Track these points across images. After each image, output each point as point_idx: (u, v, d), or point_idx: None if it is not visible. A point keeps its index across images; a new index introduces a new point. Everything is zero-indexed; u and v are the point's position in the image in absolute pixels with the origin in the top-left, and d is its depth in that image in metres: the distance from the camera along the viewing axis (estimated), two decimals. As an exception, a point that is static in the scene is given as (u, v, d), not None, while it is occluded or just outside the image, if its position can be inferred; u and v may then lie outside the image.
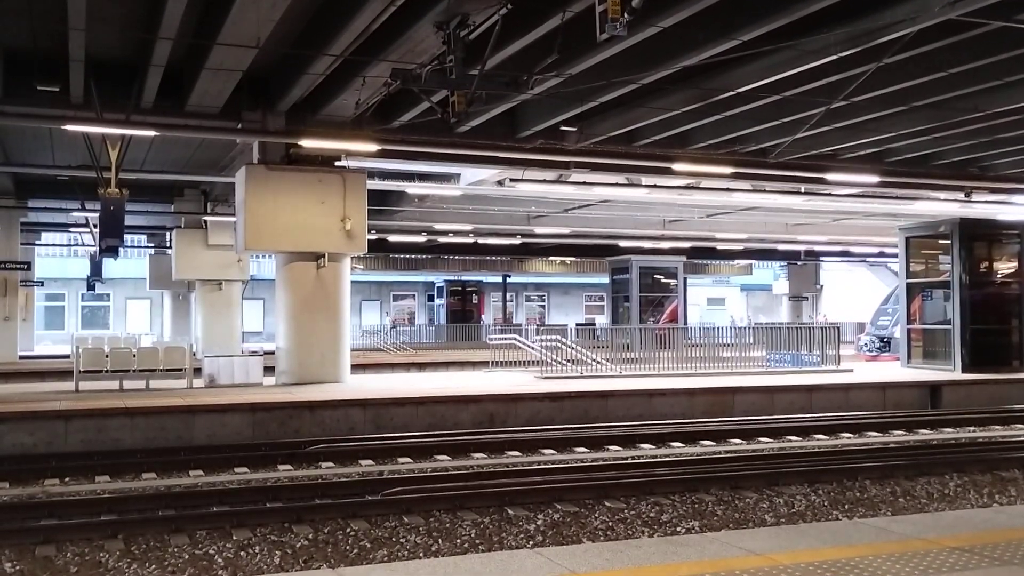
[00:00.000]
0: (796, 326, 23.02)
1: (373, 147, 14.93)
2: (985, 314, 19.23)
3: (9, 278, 26.89)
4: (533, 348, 18.74)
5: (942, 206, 24.19)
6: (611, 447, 12.95)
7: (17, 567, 7.22)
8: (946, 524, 6.16)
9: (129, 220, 21.97)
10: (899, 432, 14.70)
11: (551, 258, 44.93)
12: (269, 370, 17.33)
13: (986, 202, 23.22)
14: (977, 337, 18.96)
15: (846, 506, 9.43)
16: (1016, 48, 12.23)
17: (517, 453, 12.47)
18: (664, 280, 35.03)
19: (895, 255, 24.48)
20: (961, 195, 21.93)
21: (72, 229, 32.34)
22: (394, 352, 33.38)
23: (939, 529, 5.90)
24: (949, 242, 19.39)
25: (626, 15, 8.06)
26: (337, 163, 16.90)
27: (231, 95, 14.81)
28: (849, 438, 14.10)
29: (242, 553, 7.55)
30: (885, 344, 25.55)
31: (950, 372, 18.76)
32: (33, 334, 32.63)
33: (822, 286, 48.93)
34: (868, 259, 44.82)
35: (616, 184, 21.77)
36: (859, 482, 10.46)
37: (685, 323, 34.09)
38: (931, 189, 22.30)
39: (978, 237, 19.61)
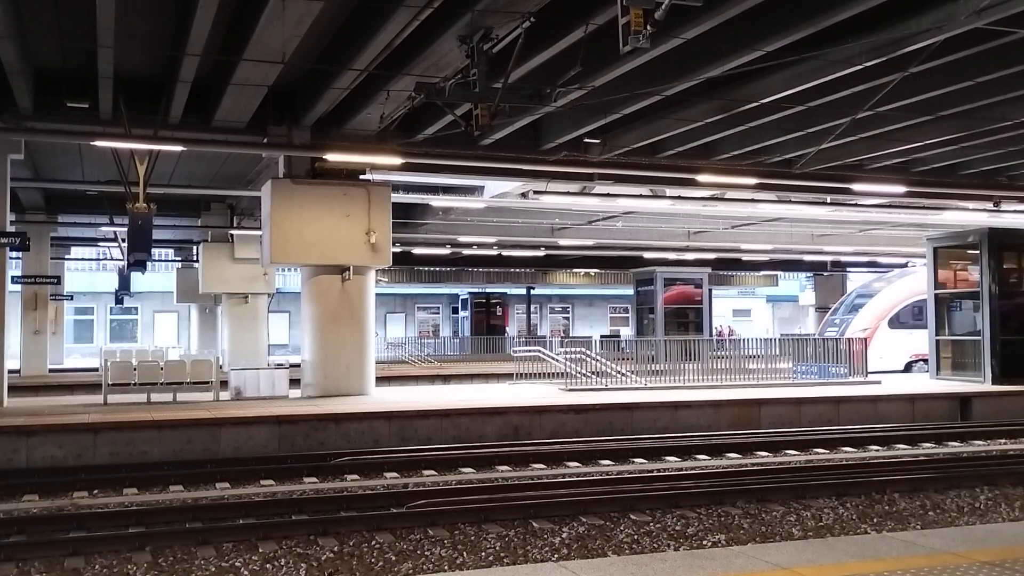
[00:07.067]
0: (824, 337, 22.92)
1: (397, 160, 15.02)
2: (1015, 325, 18.98)
3: (39, 292, 27.25)
4: (557, 360, 18.71)
5: (970, 216, 23.99)
6: (636, 460, 12.89)
7: (46, 579, 7.29)
8: (976, 538, 6.08)
9: (157, 234, 22.28)
10: (928, 444, 14.53)
11: (575, 270, 44.92)
12: (295, 383, 17.42)
13: (1015, 211, 22.99)
14: (1007, 348, 18.70)
15: (875, 519, 9.33)
16: (1044, 56, 12.13)
17: (542, 466, 12.44)
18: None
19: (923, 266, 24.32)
20: (990, 204, 21.72)
21: (101, 243, 32.81)
22: (419, 364, 33.45)
23: (969, 543, 5.83)
24: (978, 252, 19.18)
25: (649, 27, 8.04)
26: (362, 176, 17.00)
27: (257, 110, 14.95)
28: (878, 451, 13.96)
29: (268, 566, 7.58)
30: None
31: (980, 384, 18.53)
32: (63, 347, 33.04)
33: (849, 297, 48.53)
34: (895, 270, 44.49)
35: (640, 196, 21.74)
36: (888, 495, 10.35)
37: (710, 334, 33.89)
38: (959, 199, 22.11)
39: (1008, 247, 19.35)
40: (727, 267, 41.68)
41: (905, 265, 35.22)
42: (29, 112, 14.72)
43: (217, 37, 12.16)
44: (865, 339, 21.03)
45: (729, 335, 40.17)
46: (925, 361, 26.12)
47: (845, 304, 29.27)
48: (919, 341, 26.31)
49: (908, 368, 26.22)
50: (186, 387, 16.24)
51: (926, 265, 20.80)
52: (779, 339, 23.12)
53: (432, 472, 11.95)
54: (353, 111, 15.19)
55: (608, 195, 21.17)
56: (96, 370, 24.41)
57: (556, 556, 7.90)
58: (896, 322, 26.99)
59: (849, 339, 20.59)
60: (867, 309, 27.66)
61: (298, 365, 17.90)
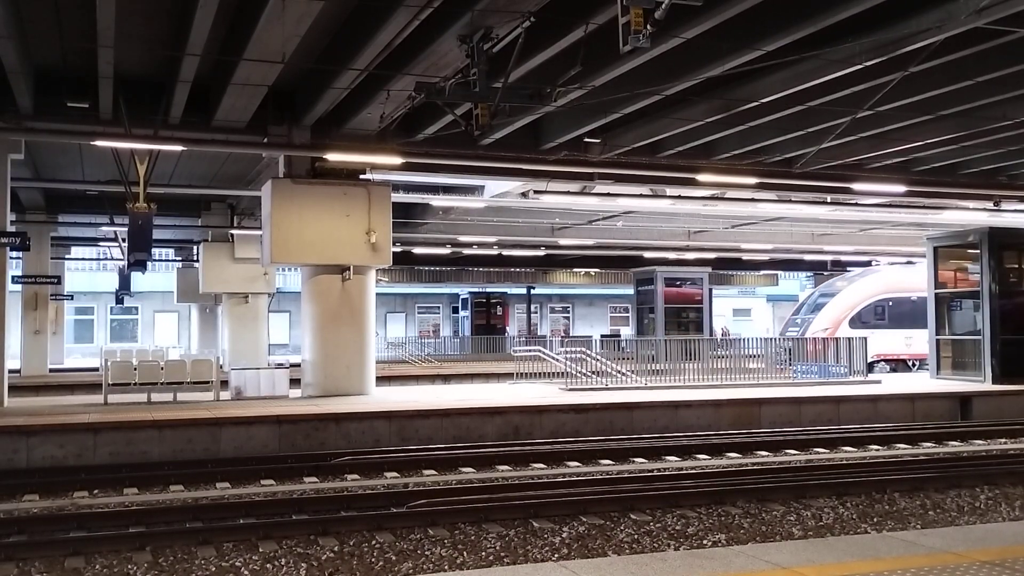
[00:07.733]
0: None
1: (398, 160, 15.02)
2: (1016, 324, 18.97)
3: (40, 292, 27.25)
4: (558, 360, 18.71)
5: (970, 215, 23.99)
6: (636, 459, 12.89)
7: (47, 579, 7.30)
8: (976, 537, 6.08)
9: (157, 234, 22.32)
10: (929, 444, 14.54)
11: (575, 269, 44.91)
12: (295, 383, 17.42)
13: (1015, 211, 22.98)
14: (1007, 348, 18.70)
15: (875, 519, 9.33)
16: (1044, 56, 12.13)
17: (542, 465, 12.44)
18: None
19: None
20: (990, 204, 21.71)
21: (101, 243, 32.80)
22: (419, 364, 33.46)
23: (969, 543, 5.83)
24: (978, 251, 19.17)
25: (649, 27, 8.04)
26: (362, 176, 17.00)
27: (257, 110, 14.95)
28: (878, 450, 13.96)
29: (268, 566, 7.58)
30: None
31: (980, 383, 18.53)
32: (63, 347, 33.05)
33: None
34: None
35: (640, 195, 21.74)
36: (888, 495, 10.35)
37: (710, 334, 33.89)
38: (959, 198, 22.10)
39: (1008, 246, 19.34)
40: (727, 266, 41.69)
41: (907, 264, 35.27)
42: (29, 112, 14.72)
43: (217, 37, 12.16)
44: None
45: (724, 335, 40.14)
46: (887, 361, 26.15)
47: (807, 303, 29.18)
48: (881, 341, 26.23)
49: (870, 369, 26.12)
50: (186, 387, 16.24)
51: (926, 263, 20.81)
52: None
53: (432, 472, 11.95)
54: (353, 111, 15.19)
55: (608, 195, 21.17)
56: (96, 370, 24.42)
57: (556, 556, 7.91)
58: (857, 322, 26.84)
59: (850, 339, 20.55)
60: (828, 308, 27.55)
61: (298, 365, 17.90)
